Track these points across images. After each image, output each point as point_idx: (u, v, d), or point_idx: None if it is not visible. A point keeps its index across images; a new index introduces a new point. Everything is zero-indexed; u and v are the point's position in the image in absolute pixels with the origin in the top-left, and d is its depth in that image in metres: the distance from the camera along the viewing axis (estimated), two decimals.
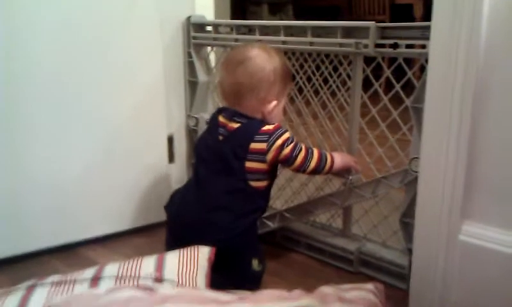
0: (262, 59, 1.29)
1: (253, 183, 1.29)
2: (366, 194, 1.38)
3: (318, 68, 1.50)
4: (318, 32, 1.40)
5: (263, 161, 1.28)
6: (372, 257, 1.41)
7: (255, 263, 1.33)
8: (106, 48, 1.53)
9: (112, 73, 1.55)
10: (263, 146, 1.27)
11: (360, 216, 1.48)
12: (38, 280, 1.14)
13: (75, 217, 1.58)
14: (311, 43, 1.41)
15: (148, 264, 1.17)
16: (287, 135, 1.30)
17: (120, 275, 1.12)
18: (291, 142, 1.29)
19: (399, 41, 1.24)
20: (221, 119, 1.34)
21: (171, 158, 1.76)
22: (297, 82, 1.56)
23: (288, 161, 1.30)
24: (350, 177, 1.39)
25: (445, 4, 1.05)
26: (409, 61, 1.29)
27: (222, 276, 1.26)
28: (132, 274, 1.12)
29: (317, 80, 1.51)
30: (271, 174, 1.33)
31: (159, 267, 1.16)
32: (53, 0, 1.43)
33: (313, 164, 1.32)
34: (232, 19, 3.97)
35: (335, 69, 1.46)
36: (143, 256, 1.21)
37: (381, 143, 1.39)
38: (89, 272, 1.15)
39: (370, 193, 1.38)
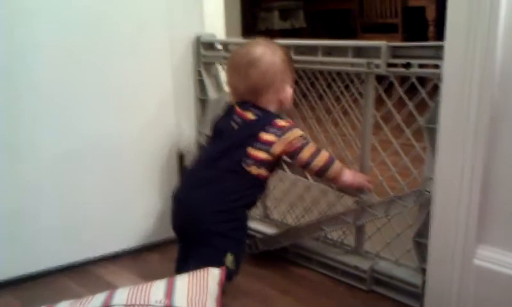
0: (270, 54, 1.34)
1: (252, 170, 1.32)
2: (379, 213, 1.36)
3: (330, 86, 1.48)
4: (329, 51, 1.39)
5: (268, 151, 1.31)
6: (385, 276, 1.39)
7: (230, 258, 1.33)
8: (116, 67, 1.53)
9: (122, 92, 1.55)
10: (273, 138, 1.32)
11: (373, 233, 1.46)
12: None
13: (85, 235, 1.59)
14: (322, 63, 1.40)
15: (157, 289, 1.16)
16: (300, 132, 1.34)
17: (129, 302, 1.11)
18: (302, 137, 1.33)
19: (412, 61, 1.22)
20: (238, 108, 1.38)
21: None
22: (310, 100, 1.54)
23: (296, 152, 1.32)
24: (362, 196, 1.37)
25: (459, 26, 1.04)
26: (422, 79, 1.27)
27: (193, 256, 1.34)
28: (142, 302, 1.11)
29: (329, 98, 1.49)
30: (270, 166, 1.35)
31: (169, 292, 1.15)
32: (62, 18, 1.43)
33: (319, 162, 1.33)
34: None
35: (347, 87, 1.44)
36: (153, 281, 1.20)
37: (395, 160, 1.38)
38: (99, 299, 1.15)
39: (383, 213, 1.36)
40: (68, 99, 1.48)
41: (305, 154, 1.32)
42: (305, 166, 1.34)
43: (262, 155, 1.31)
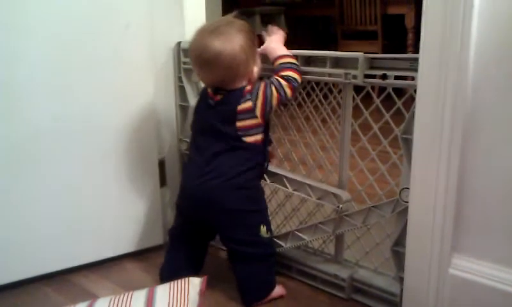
0: (229, 47, 1.34)
1: (248, 139, 1.36)
2: (357, 222, 1.38)
3: (309, 95, 1.50)
4: (308, 60, 1.41)
5: (254, 117, 1.36)
6: (364, 284, 1.41)
7: (263, 230, 1.40)
8: (97, 73, 1.52)
9: (103, 98, 1.55)
10: (249, 104, 1.36)
11: (352, 242, 1.48)
12: None
13: (66, 244, 1.57)
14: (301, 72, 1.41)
15: (138, 299, 1.17)
16: (262, 86, 1.37)
17: None
18: (269, 87, 1.37)
19: (388, 72, 1.24)
20: (209, 90, 1.42)
21: (162, 182, 1.75)
22: (289, 108, 1.56)
23: (282, 100, 1.38)
24: (340, 206, 1.39)
25: (433, 40, 1.06)
26: (400, 90, 1.28)
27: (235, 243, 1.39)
28: None
29: (308, 107, 1.51)
30: (264, 128, 1.40)
31: (150, 302, 1.15)
32: (44, 24, 1.42)
33: (288, 90, 1.37)
34: None
35: (326, 96, 1.46)
36: (134, 291, 1.20)
37: (375, 167, 1.39)
38: None
39: (361, 222, 1.37)
40: (51, 102, 1.47)
41: (288, 93, 1.37)
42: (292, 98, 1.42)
43: (250, 122, 1.36)
